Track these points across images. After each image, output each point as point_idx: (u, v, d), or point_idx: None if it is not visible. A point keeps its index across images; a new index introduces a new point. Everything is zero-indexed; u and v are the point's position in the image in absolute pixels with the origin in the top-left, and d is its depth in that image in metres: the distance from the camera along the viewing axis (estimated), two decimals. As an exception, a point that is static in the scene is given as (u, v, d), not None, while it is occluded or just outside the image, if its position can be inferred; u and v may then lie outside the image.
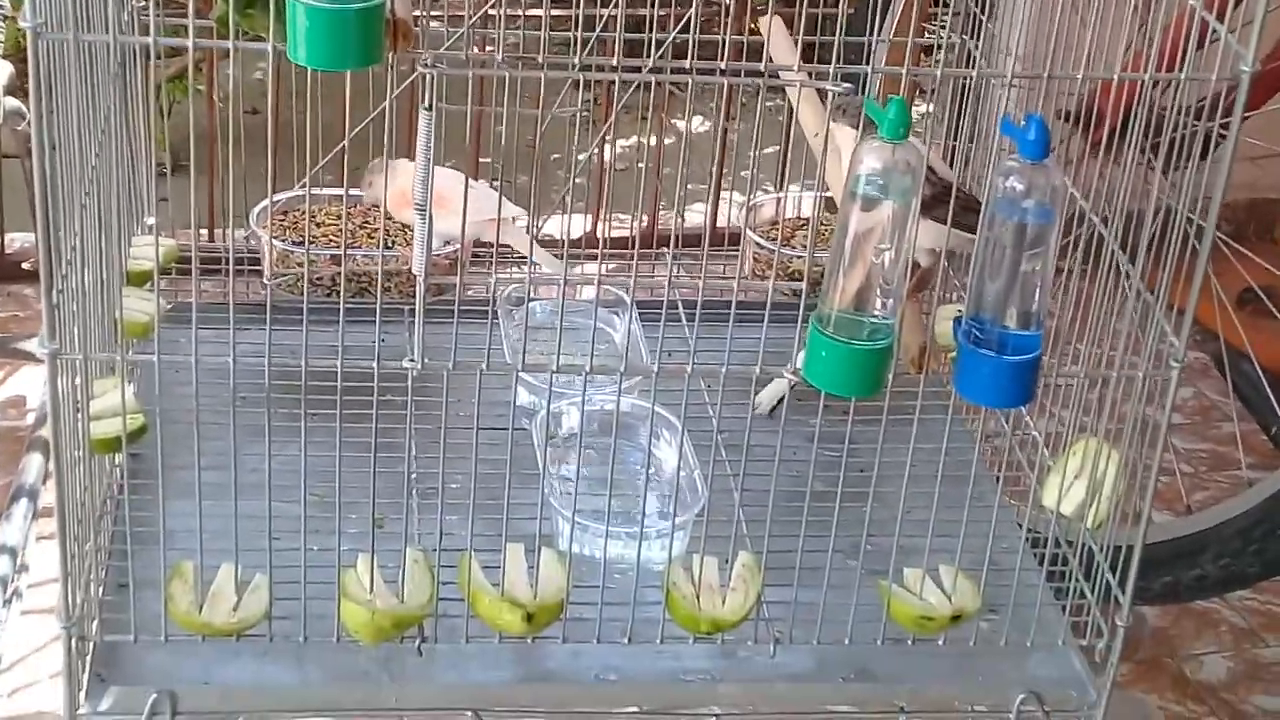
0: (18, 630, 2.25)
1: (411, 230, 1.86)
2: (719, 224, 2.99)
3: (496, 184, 1.92)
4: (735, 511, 1.57)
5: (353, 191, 2.06)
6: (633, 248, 1.51)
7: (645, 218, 3.11)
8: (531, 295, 1.89)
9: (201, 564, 1.47)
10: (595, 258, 1.74)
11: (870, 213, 1.34)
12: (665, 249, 2.19)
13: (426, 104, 1.30)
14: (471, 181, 1.74)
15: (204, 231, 2.95)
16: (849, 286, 1.36)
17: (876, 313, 1.37)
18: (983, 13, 2.20)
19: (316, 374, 1.40)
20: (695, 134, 3.93)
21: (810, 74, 1.54)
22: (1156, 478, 1.51)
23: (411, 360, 1.40)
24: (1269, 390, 2.56)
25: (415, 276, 1.38)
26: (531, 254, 1.75)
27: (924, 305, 2.05)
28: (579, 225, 3.10)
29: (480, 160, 2.71)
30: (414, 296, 1.88)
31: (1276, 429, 2.85)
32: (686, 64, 1.31)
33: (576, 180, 2.12)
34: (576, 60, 1.31)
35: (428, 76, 1.28)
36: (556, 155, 2.61)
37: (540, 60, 1.29)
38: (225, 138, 1.49)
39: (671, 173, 3.33)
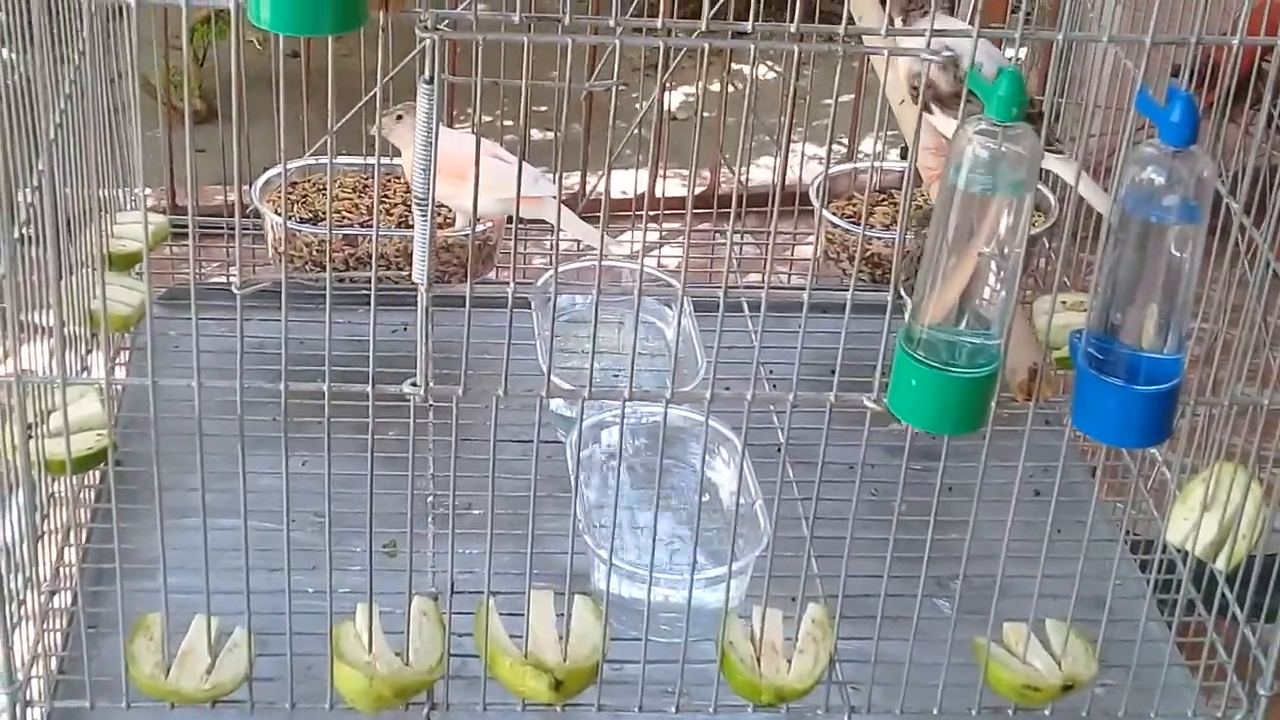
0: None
1: (444, 204, 1.62)
2: (789, 183, 2.72)
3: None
4: (804, 546, 1.33)
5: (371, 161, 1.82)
6: (686, 232, 1.23)
7: (707, 173, 2.85)
8: (568, 283, 1.64)
9: (167, 615, 1.24)
10: (646, 227, 1.44)
11: (974, 210, 1.09)
12: (725, 215, 1.93)
13: (427, 76, 1.05)
14: (493, 147, 1.49)
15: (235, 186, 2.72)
16: (945, 299, 1.11)
17: (979, 330, 1.12)
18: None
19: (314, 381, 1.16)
20: (762, 81, 3.65)
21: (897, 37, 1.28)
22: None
23: (414, 385, 1.16)
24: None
25: (426, 272, 1.13)
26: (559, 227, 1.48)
27: (1027, 296, 1.80)
28: (631, 184, 2.85)
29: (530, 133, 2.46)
30: (444, 276, 1.67)
31: None
32: (748, 26, 1.06)
33: (630, 136, 1.88)
34: (615, 21, 1.06)
35: (428, 42, 1.04)
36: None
37: (566, 21, 1.04)
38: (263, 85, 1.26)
39: (735, 124, 3.06)
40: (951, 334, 1.11)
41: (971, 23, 1.11)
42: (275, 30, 0.97)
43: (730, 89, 3.06)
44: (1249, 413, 1.33)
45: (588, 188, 2.29)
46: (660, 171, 2.22)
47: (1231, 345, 1.36)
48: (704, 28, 1.05)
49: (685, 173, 2.95)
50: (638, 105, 1.44)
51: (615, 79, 1.07)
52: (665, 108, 2.76)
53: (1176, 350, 1.13)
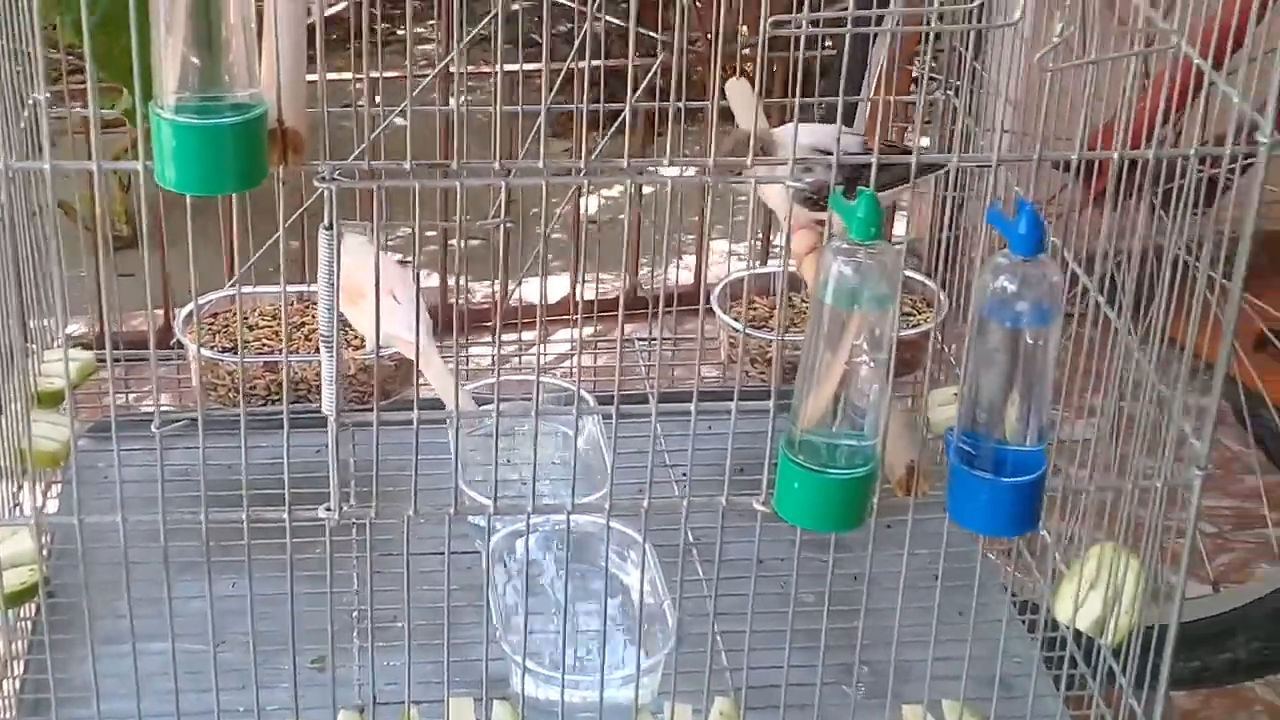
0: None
1: (352, 328, 1.69)
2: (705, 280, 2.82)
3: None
4: (709, 640, 1.40)
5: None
6: (578, 347, 1.32)
7: (626, 278, 2.94)
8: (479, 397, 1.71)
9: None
10: (542, 341, 1.52)
11: (841, 321, 1.17)
12: (635, 319, 2.02)
13: (326, 223, 1.13)
14: (397, 276, 1.54)
15: (160, 313, 2.78)
16: (819, 403, 1.19)
17: (855, 432, 1.20)
18: (970, 53, 2.04)
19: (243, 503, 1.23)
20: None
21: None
22: (1182, 598, 1.33)
23: (328, 510, 1.23)
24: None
25: (346, 388, 1.20)
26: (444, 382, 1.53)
27: (916, 389, 1.88)
28: (549, 290, 2.94)
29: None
30: (362, 397, 1.74)
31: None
32: (624, 163, 1.14)
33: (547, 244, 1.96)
34: (497, 164, 1.14)
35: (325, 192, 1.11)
36: (536, 210, 2.44)
37: (455, 167, 1.12)
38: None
39: (648, 227, 3.15)
40: (828, 436, 1.19)
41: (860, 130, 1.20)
42: (180, 191, 1.05)
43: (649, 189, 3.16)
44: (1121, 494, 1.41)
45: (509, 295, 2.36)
46: (580, 277, 2.31)
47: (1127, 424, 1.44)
48: (581, 166, 1.14)
49: (605, 276, 3.03)
50: (557, 211, 1.50)
51: (504, 217, 1.15)
52: (581, 214, 2.85)
53: (1038, 442, 1.22)
